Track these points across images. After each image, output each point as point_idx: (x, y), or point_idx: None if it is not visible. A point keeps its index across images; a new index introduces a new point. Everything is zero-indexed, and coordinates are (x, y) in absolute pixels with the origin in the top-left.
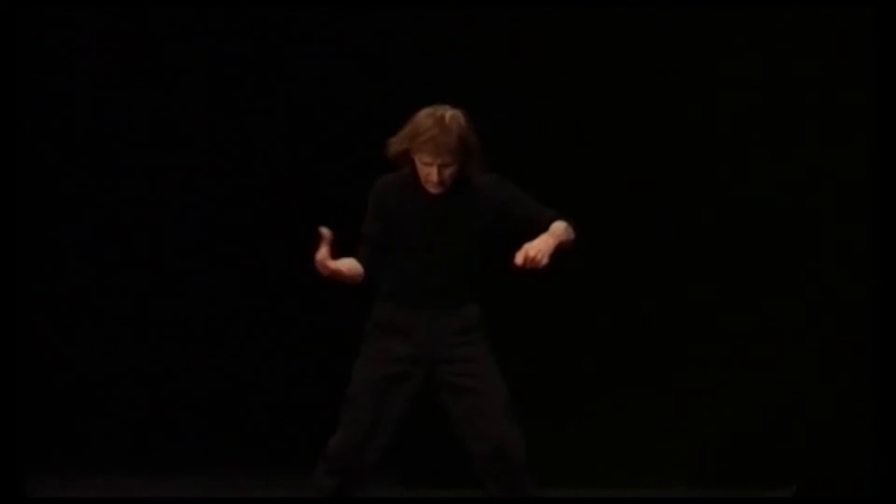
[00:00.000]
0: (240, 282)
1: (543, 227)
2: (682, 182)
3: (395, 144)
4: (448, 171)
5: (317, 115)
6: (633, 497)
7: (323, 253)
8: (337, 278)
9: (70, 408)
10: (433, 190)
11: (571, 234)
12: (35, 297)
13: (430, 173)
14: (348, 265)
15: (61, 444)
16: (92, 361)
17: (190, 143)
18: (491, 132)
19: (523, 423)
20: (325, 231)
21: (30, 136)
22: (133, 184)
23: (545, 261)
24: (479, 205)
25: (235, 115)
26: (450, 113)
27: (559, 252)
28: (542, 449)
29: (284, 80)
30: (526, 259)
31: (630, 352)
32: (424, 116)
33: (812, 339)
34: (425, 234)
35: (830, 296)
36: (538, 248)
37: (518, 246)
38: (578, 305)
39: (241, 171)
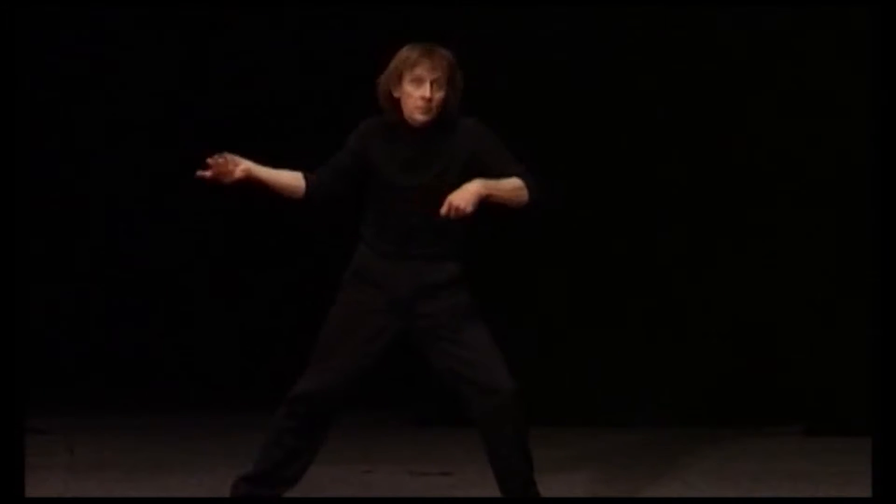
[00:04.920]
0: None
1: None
2: (673, 124)
3: (385, 78)
4: (439, 94)
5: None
6: (635, 497)
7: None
8: (250, 182)
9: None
10: (421, 117)
11: (523, 196)
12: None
13: (422, 93)
14: (273, 173)
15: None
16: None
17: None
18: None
19: (514, 365)
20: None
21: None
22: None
23: (469, 209)
24: (458, 147)
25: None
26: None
27: (502, 206)
28: (536, 389)
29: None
30: (450, 209)
31: (627, 290)
32: (409, 46)
33: (813, 272)
34: (407, 177)
35: (831, 228)
36: (462, 198)
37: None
38: (567, 245)
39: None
